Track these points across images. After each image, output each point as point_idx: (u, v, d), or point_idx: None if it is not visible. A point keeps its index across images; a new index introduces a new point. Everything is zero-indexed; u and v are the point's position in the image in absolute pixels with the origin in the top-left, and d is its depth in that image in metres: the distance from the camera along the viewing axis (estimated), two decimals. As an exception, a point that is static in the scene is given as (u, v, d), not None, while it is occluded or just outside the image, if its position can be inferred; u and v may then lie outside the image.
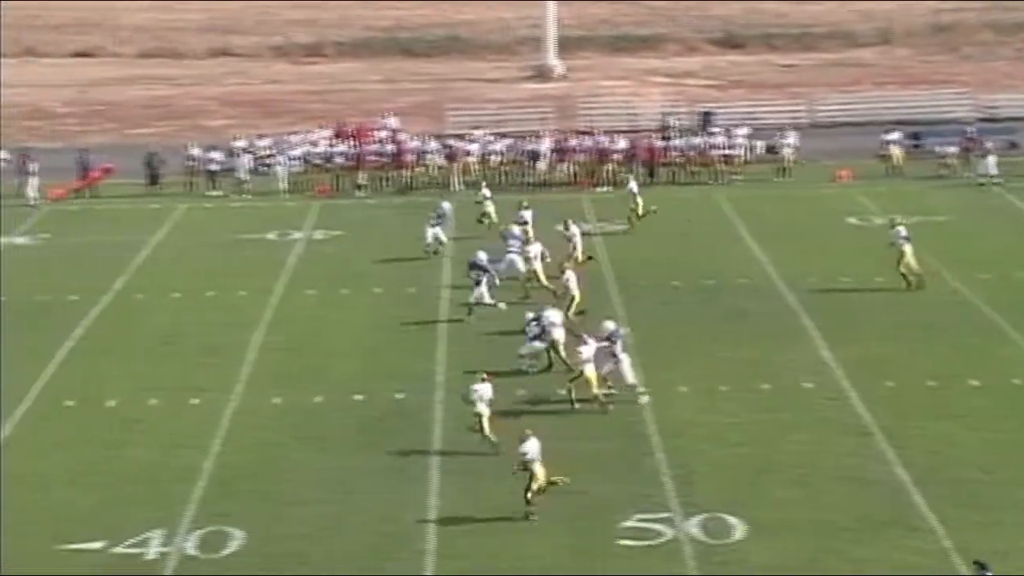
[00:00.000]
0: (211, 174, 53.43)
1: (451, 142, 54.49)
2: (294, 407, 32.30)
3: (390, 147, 54.32)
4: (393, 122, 57.51)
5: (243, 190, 52.61)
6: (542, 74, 76.50)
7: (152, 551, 25.79)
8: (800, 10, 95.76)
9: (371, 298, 40.33)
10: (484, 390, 29.70)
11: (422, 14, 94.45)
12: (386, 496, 27.85)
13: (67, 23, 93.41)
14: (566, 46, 79.31)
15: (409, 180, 53.61)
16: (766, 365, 34.31)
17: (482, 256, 38.55)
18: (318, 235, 47.31)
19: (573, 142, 54.46)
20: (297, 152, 54.35)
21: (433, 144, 54.27)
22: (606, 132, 55.74)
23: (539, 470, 26.71)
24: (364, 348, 36.29)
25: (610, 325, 32.85)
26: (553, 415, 31.47)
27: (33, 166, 51.96)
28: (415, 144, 54.48)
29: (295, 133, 57.20)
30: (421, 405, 32.33)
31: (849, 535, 26.00)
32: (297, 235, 47.23)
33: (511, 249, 40.01)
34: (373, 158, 53.69)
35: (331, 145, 54.99)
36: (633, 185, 47.92)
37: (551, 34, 76.94)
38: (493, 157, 54.04)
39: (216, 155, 53.75)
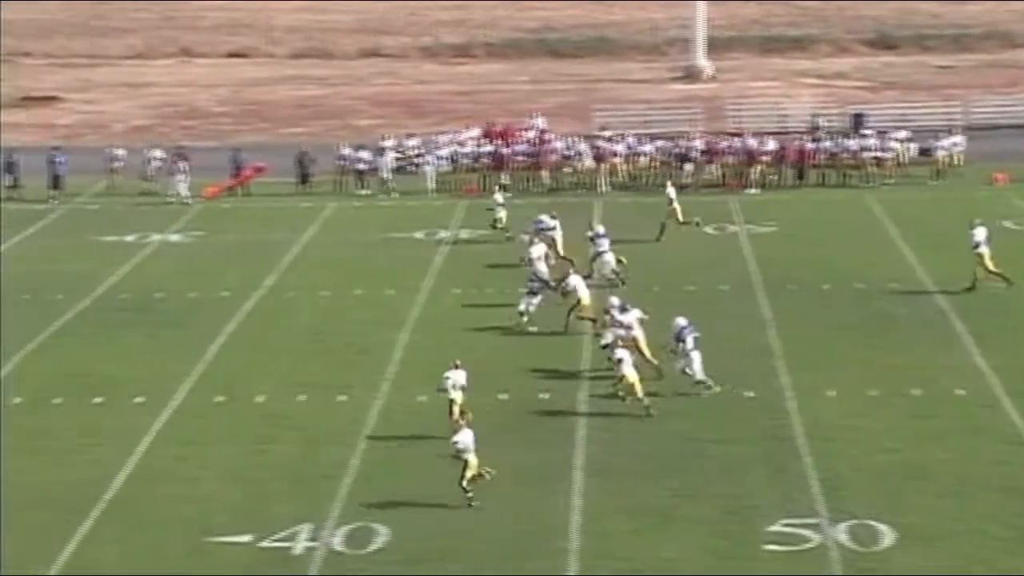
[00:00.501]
0: (359, 173, 53.88)
1: (599, 143, 54.39)
2: (439, 405, 32.38)
3: (536, 148, 54.36)
4: (541, 122, 57.57)
5: (387, 189, 52.98)
6: (691, 75, 76.06)
7: (299, 546, 26.03)
8: (956, 10, 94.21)
9: (514, 297, 40.34)
10: (456, 377, 30.28)
11: (570, 15, 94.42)
12: (529, 495, 27.84)
13: (222, 24, 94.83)
14: (716, 47, 78.80)
15: (555, 181, 53.61)
16: (917, 370, 33.76)
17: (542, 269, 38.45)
18: (464, 234, 47.48)
19: (722, 144, 54.07)
20: (445, 152, 54.62)
21: (581, 145, 54.22)
22: (755, 134, 55.27)
23: (472, 459, 27.42)
24: (507, 346, 36.31)
25: (681, 321, 32.86)
26: (698, 418, 31.27)
27: (183, 164, 52.81)
28: (561, 144, 54.48)
29: (443, 133, 57.48)
30: (565, 405, 32.27)
31: (1000, 545, 25.47)
32: (444, 234, 47.45)
33: (601, 249, 40.37)
34: (521, 158, 53.76)
35: (478, 145, 55.18)
36: (671, 191, 47.03)
37: (700, 35, 76.48)
38: (641, 159, 53.88)
39: (365, 155, 54.21)
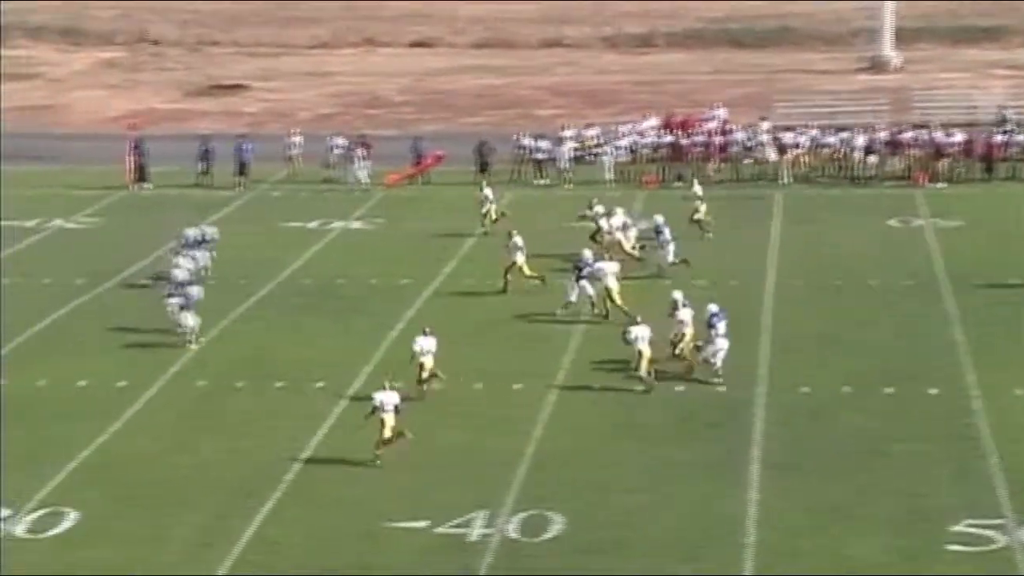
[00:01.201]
0: (538, 163, 53.90)
1: (781, 134, 53.71)
2: (615, 396, 32.27)
3: (717, 139, 53.89)
4: (722, 113, 57.04)
5: (565, 179, 52.91)
6: (877, 66, 74.77)
7: (475, 532, 26.08)
8: None
9: (695, 291, 39.99)
10: (425, 343, 31.75)
11: (754, 5, 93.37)
12: (705, 488, 27.57)
13: (405, 14, 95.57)
14: (903, 37, 77.36)
15: (736, 172, 53.09)
16: (1109, 370, 32.79)
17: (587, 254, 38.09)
18: (643, 225, 47.15)
19: (908, 135, 53.04)
20: (624, 142, 54.39)
21: (764, 136, 53.61)
22: (942, 126, 54.11)
23: (389, 420, 28.52)
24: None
25: (712, 307, 33.15)
26: (880, 416, 30.72)
27: (364, 152, 53.36)
28: (742, 135, 53.93)
29: (623, 123, 57.23)
30: (743, 399, 31.91)
31: None
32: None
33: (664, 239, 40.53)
34: (700, 150, 53.31)
35: (658, 135, 54.84)
36: (697, 188, 46.50)
37: (888, 25, 75.15)
38: (824, 150, 53.12)
39: (544, 144, 54.20)
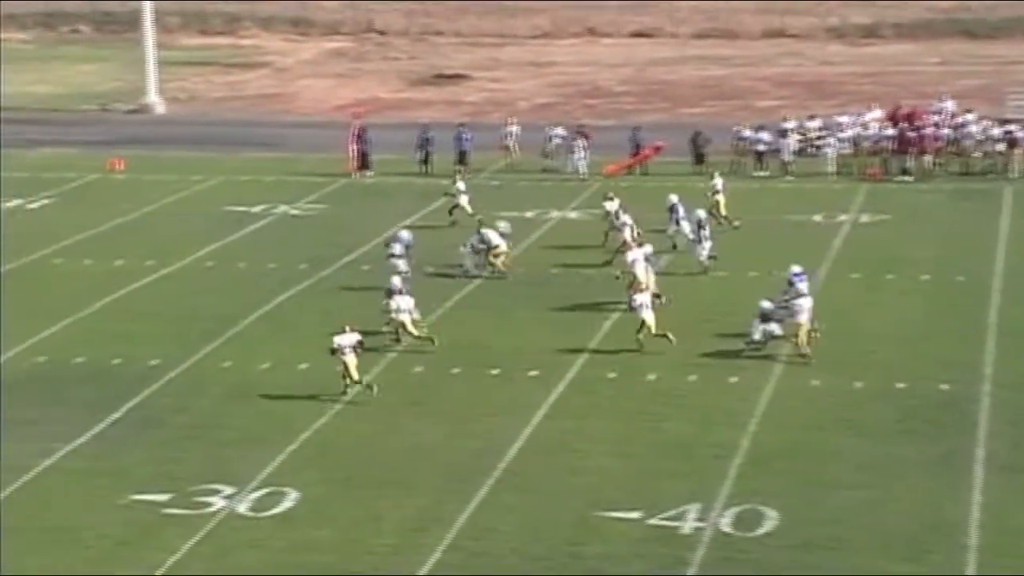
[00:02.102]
0: (759, 154, 53.34)
1: (1012, 127, 52.31)
2: (833, 391, 31.76)
3: (945, 131, 52.69)
4: (950, 105, 55.76)
5: (788, 171, 52.28)
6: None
7: (688, 525, 25.89)
8: None
9: (918, 285, 39.23)
10: (402, 302, 34.07)
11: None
12: (926, 487, 26.97)
13: (627, 4, 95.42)
14: None
15: (965, 166, 51.88)
16: None
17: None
18: (865, 218, 46.42)
19: None
20: (847, 134, 53.53)
21: (996, 130, 52.24)
22: None
23: (352, 360, 31.30)
24: (909, 336, 35.31)
25: (795, 268, 34.64)
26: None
27: (583, 142, 53.45)
28: (972, 129, 52.63)
29: (846, 114, 56.31)
30: (967, 397, 31.16)
31: None
32: (843, 218, 46.50)
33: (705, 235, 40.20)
34: (931, 142, 52.16)
35: (882, 128, 53.82)
36: (718, 181, 45.57)
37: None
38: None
39: (764, 135, 53.61)
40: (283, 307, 38.79)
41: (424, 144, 54.50)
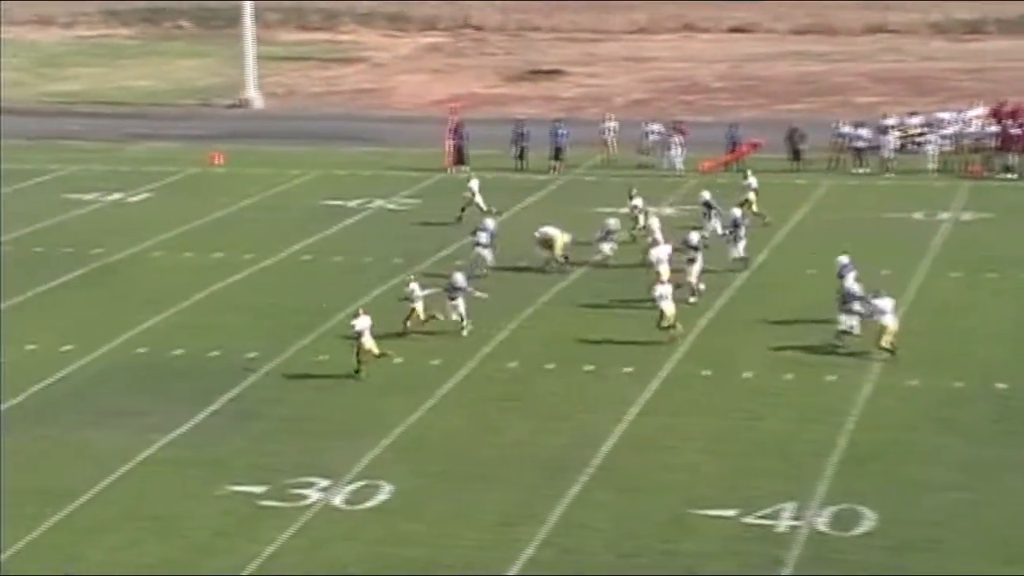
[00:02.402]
0: (858, 151, 52.85)
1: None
2: (932, 390, 31.42)
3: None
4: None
5: (888, 168, 51.77)
6: None
7: (783, 524, 25.70)
8: None
9: (1019, 284, 38.69)
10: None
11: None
12: (1025, 490, 26.63)
13: (726, 1, 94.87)
14: None
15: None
16: None
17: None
18: (966, 216, 45.86)
19: None
20: (949, 131, 52.91)
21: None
22: None
23: (368, 342, 32.71)
24: (1009, 335, 34.86)
25: (843, 259, 35.46)
26: None
27: (679, 138, 53.29)
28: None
29: (947, 111, 55.64)
30: (1069, 398, 30.70)
31: None
32: (944, 215, 45.96)
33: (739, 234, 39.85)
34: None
35: (985, 125, 53.13)
36: (752, 180, 44.90)
37: None
38: None
39: (864, 132, 53.11)
40: (378, 301, 38.93)
41: (519, 139, 54.51)
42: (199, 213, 48.06)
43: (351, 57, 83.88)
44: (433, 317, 35.58)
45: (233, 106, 69.48)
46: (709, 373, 33.04)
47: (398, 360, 34.00)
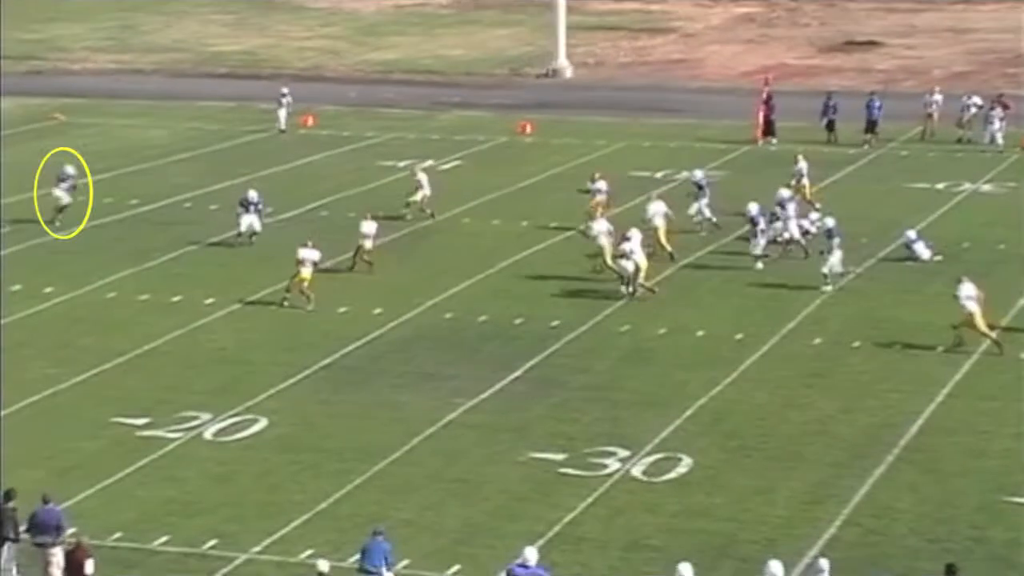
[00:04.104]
0: None
1: None
2: None
3: None
4: None
5: None
6: None
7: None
8: None
9: None
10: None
11: None
12: None
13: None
14: None
15: None
16: None
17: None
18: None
19: None
20: None
21: None
22: None
23: (305, 272, 35.42)
24: None
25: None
26: None
27: (1001, 112, 51.62)
28: None
29: None
30: None
31: None
32: None
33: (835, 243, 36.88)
34: None
35: None
36: (803, 165, 42.48)
37: None
38: None
39: None
40: (683, 273, 38.74)
41: (829, 111, 53.50)
42: (507, 181, 48.54)
43: (661, 27, 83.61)
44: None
45: (543, 76, 69.98)
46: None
47: (700, 333, 33.76)
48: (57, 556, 22.65)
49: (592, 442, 28.18)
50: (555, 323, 34.74)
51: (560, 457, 27.60)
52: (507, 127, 57.26)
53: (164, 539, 24.59)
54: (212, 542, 24.48)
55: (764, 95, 54.45)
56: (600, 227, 38.07)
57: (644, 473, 27.00)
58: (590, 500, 25.92)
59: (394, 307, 35.95)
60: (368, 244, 38.52)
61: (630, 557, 23.91)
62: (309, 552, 23.86)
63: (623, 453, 27.66)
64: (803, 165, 44.17)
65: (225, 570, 23.67)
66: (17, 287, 37.87)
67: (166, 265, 39.64)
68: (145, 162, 52.39)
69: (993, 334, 32.31)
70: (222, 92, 65.55)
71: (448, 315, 35.79)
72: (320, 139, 55.63)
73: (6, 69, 68.02)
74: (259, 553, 24.19)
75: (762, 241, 38.52)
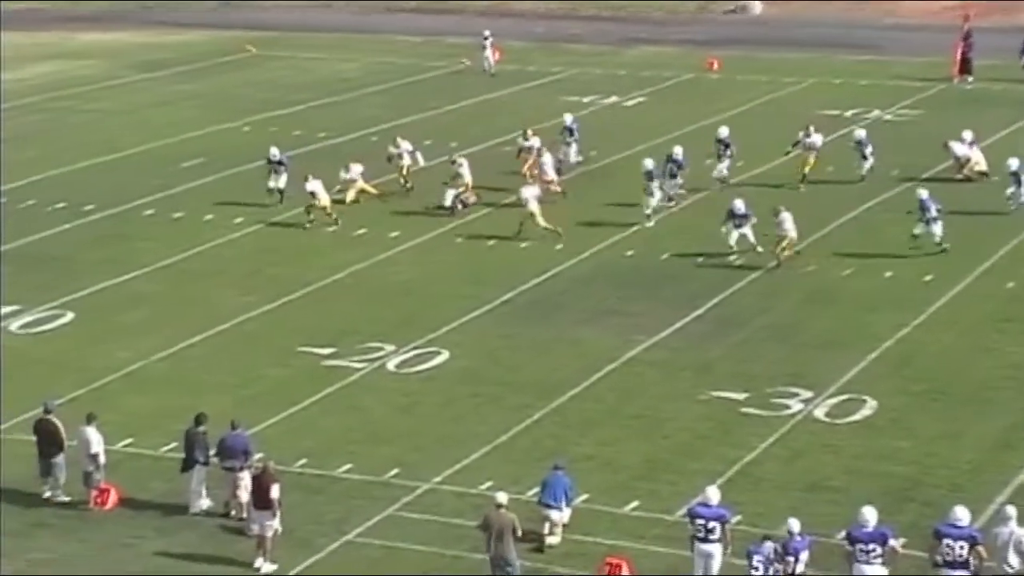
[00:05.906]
0: None
1: None
2: None
3: None
4: None
5: None
6: None
7: None
8: None
9: None
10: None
11: None
12: None
13: None
14: None
15: None
16: None
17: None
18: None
19: None
20: None
21: None
22: None
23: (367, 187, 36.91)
24: None
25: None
26: None
27: None
28: None
29: None
30: None
31: None
32: None
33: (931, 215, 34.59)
34: None
35: None
36: (816, 137, 40.23)
37: None
38: None
39: None
40: (871, 212, 38.08)
41: (1026, 50, 52.09)
42: (692, 119, 48.03)
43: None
44: None
45: (731, 12, 69.10)
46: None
47: (887, 274, 33.18)
48: (244, 480, 23.14)
49: (774, 382, 27.91)
50: (738, 262, 34.40)
51: (742, 396, 27.40)
52: (694, 63, 56.69)
53: (347, 467, 24.97)
54: (394, 471, 24.79)
55: (964, 31, 53.12)
56: (529, 192, 36.82)
57: (827, 415, 26.68)
58: (771, 440, 25.71)
59: (576, 244, 35.89)
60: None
61: (811, 498, 23.67)
62: (489, 483, 24.04)
63: (806, 394, 27.36)
64: (816, 138, 40.99)
65: (407, 499, 23.96)
66: (209, 216, 38.63)
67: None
68: (335, 95, 52.95)
69: None
70: (411, 26, 65.95)
71: (629, 252, 35.64)
72: (505, 74, 55.60)
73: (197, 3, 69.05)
74: (440, 483, 24.45)
75: (656, 196, 37.39)
